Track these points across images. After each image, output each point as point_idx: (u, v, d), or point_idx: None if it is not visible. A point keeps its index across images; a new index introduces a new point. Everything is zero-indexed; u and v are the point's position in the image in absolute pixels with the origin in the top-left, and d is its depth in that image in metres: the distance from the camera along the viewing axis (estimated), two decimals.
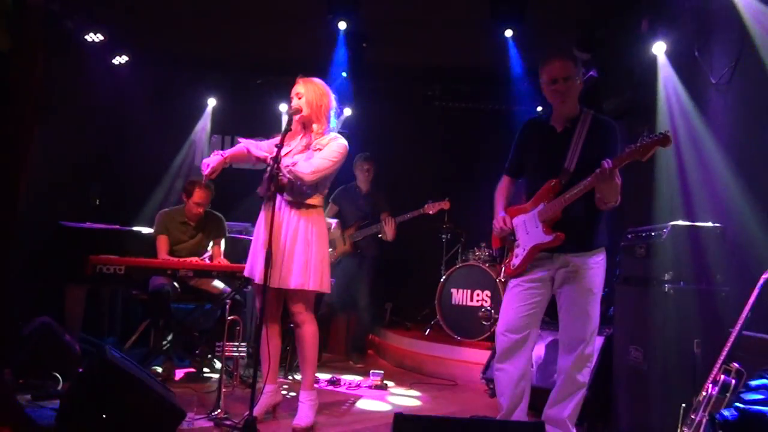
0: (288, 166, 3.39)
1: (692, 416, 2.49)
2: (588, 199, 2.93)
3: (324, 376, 4.75)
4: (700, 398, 2.49)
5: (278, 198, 3.44)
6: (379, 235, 5.73)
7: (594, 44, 5.28)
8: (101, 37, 5.99)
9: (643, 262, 3.36)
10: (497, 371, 3.13)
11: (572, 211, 2.98)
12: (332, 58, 6.21)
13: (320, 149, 3.46)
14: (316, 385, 3.79)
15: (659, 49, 4.56)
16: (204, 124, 7.37)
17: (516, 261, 3.13)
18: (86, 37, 5.94)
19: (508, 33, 5.24)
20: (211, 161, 3.47)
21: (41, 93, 5.19)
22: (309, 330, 3.52)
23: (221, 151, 3.54)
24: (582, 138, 3.01)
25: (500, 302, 4.99)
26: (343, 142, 3.54)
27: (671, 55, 4.51)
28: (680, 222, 3.27)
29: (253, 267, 3.50)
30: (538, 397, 3.34)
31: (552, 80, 3.01)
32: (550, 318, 3.55)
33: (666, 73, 4.51)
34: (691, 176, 3.97)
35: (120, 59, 6.54)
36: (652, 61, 4.61)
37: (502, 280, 3.34)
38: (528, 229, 3.10)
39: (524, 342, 3.08)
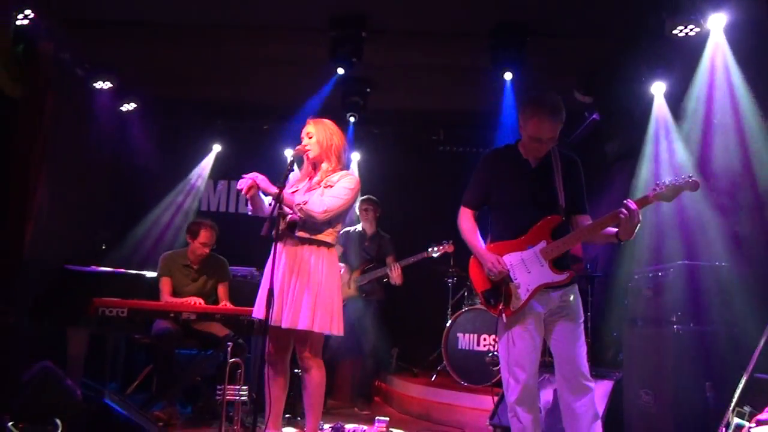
0: (299, 204, 3.33)
1: None
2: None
3: (328, 424, 4.64)
4: None
5: (286, 237, 3.40)
6: (385, 280, 5.69)
7: (595, 87, 5.33)
8: (110, 84, 6.09)
9: (650, 302, 3.31)
10: (513, 418, 2.96)
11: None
12: (339, 103, 6.29)
13: (331, 186, 3.44)
14: None
15: (658, 89, 4.62)
16: (202, 170, 7.43)
17: (518, 303, 2.97)
18: (95, 84, 6.05)
19: (508, 76, 5.29)
20: (247, 176, 3.41)
21: (50, 138, 5.30)
22: (316, 375, 3.43)
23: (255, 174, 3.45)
24: (560, 174, 2.99)
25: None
26: (354, 177, 3.52)
27: (669, 96, 4.56)
28: (686, 261, 3.24)
29: (261, 307, 3.45)
30: None
31: (537, 138, 2.92)
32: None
33: (660, 113, 4.56)
34: (691, 216, 3.94)
35: (128, 106, 6.64)
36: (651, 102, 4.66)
37: (504, 321, 3.15)
38: (529, 268, 2.97)
39: (536, 389, 3.01)
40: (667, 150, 4.65)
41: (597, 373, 3.93)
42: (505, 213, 3.07)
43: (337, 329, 3.39)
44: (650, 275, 3.35)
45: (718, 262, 3.22)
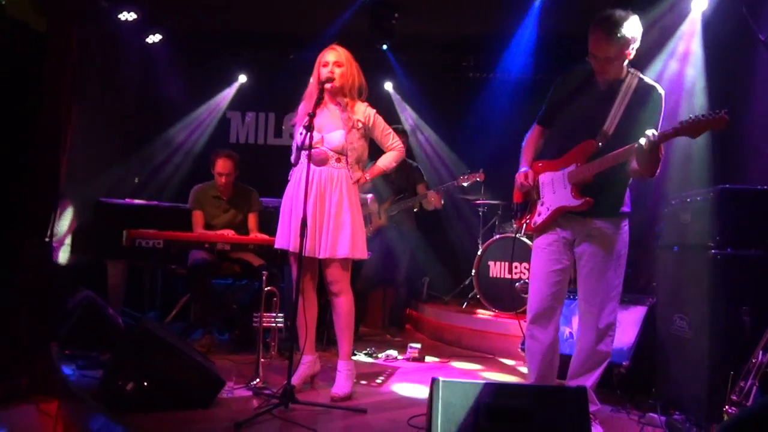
0: (393, 161, 3.64)
1: (741, 384, 2.42)
2: (618, 164, 2.82)
3: (361, 350, 4.75)
4: (750, 366, 2.41)
5: (312, 169, 3.39)
6: (415, 209, 5.69)
7: (633, 6, 5.09)
8: (134, 16, 6.02)
9: (687, 228, 3.25)
10: (530, 338, 3.06)
11: (602, 175, 2.88)
12: (365, 30, 6.13)
13: (363, 123, 3.53)
14: (353, 357, 3.78)
15: (697, 6, 4.45)
16: (221, 100, 7.38)
17: (538, 219, 3.05)
18: (120, 16, 5.98)
19: None
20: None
21: (78, 72, 5.28)
22: (346, 299, 3.51)
23: None
24: (625, 101, 2.88)
25: None
26: (372, 108, 3.61)
27: (713, 13, 4.38)
28: (727, 186, 3.15)
29: (288, 237, 3.48)
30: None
31: (592, 55, 2.85)
32: None
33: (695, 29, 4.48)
34: (738, 138, 3.83)
35: (153, 38, 6.58)
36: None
37: (518, 236, 3.26)
38: (555, 188, 3.00)
39: (555, 309, 3.01)
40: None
41: (629, 298, 3.93)
42: (559, 132, 3.09)
43: (363, 254, 3.52)
44: (688, 200, 3.27)
45: (759, 186, 3.12)
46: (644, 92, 2.89)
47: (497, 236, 5.69)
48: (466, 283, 6.06)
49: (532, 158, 3.16)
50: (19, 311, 4.08)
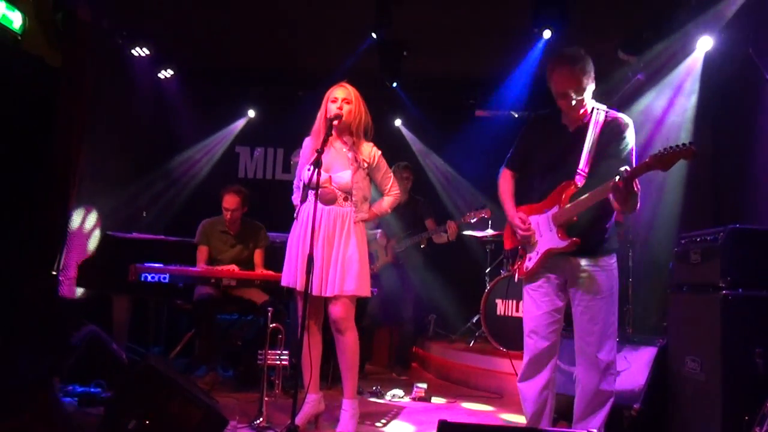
0: (389, 206, 3.67)
1: (756, 429, 2.35)
2: (601, 202, 2.80)
3: (366, 389, 4.68)
4: (765, 410, 2.35)
5: (319, 208, 3.40)
6: (422, 246, 5.67)
7: (640, 46, 5.15)
8: (147, 52, 6.11)
9: (698, 268, 3.21)
10: (522, 382, 3.04)
11: (585, 215, 2.87)
12: (374, 67, 6.19)
13: (368, 163, 3.54)
14: (358, 396, 3.72)
15: (703, 44, 4.50)
16: (230, 135, 7.44)
17: (529, 264, 3.04)
18: (133, 51, 6.07)
19: (547, 34, 5.13)
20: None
21: (90, 106, 5.35)
22: (351, 337, 3.48)
23: None
24: (595, 138, 2.89)
25: None
26: (377, 149, 3.63)
27: (719, 52, 4.43)
28: (738, 225, 3.12)
29: (295, 275, 3.46)
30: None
31: (560, 93, 2.88)
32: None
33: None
34: (746, 176, 3.82)
35: (165, 73, 6.67)
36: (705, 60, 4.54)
37: (515, 281, 3.29)
38: (542, 231, 3.00)
39: (550, 352, 2.99)
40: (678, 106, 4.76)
41: (639, 339, 3.88)
42: (536, 177, 3.09)
43: (367, 291, 3.51)
44: (698, 239, 3.25)
45: None
46: (612, 125, 2.91)
47: (505, 274, 5.65)
48: (474, 321, 6.00)
49: (513, 202, 3.18)
50: (23, 345, 4.08)
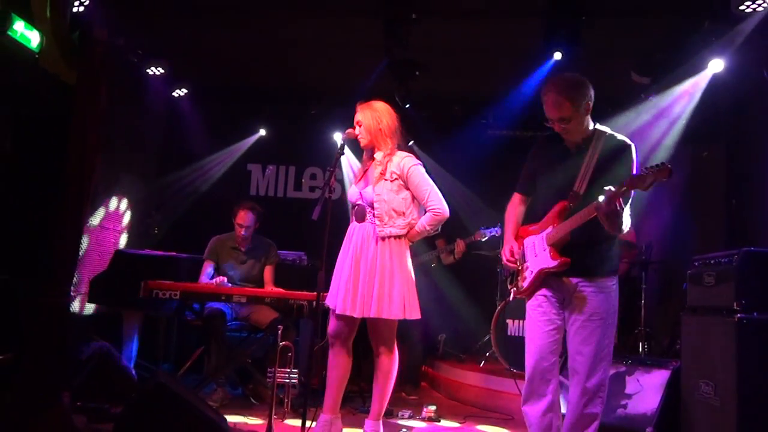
0: (432, 222, 3.42)
1: None
2: (597, 224, 2.78)
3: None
4: None
5: (354, 225, 3.45)
6: (433, 264, 5.65)
7: (653, 68, 5.16)
8: (162, 71, 6.18)
9: (712, 290, 3.19)
10: (525, 405, 3.00)
11: (582, 235, 2.86)
12: (389, 86, 6.22)
13: (399, 175, 3.43)
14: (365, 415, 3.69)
15: (714, 66, 4.51)
16: (242, 153, 7.48)
17: (524, 284, 3.05)
18: (148, 70, 6.15)
19: (557, 56, 5.15)
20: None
21: (104, 124, 5.40)
22: (385, 361, 3.46)
23: None
24: (594, 160, 2.89)
25: None
26: (413, 161, 3.50)
27: (731, 74, 4.44)
28: (752, 249, 3.09)
29: (335, 295, 3.44)
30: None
31: (548, 119, 2.90)
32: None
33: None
34: (761, 200, 3.80)
35: (180, 92, 6.74)
36: (715, 81, 4.54)
37: (509, 300, 3.30)
38: (537, 251, 3.01)
39: (551, 371, 2.96)
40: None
41: (652, 362, 3.84)
42: (540, 197, 3.09)
43: (412, 314, 3.40)
44: (712, 262, 3.22)
45: None
46: (613, 148, 2.90)
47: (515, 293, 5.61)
48: (484, 340, 5.95)
49: (515, 228, 3.18)
50: (34, 361, 4.09)
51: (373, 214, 3.41)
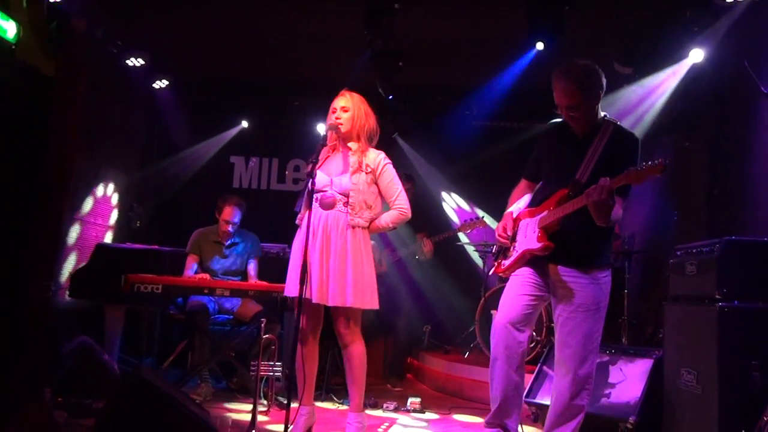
0: (395, 220, 3.48)
1: None
2: (590, 216, 2.77)
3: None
4: (761, 423, 2.34)
5: (319, 213, 3.38)
6: (417, 257, 5.65)
7: (635, 58, 5.18)
8: (142, 62, 6.10)
9: (693, 280, 3.21)
10: (493, 362, 3.01)
11: (572, 225, 2.87)
12: (370, 78, 6.18)
13: (374, 170, 3.46)
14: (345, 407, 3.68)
15: (695, 56, 4.54)
16: (225, 145, 7.43)
17: (506, 262, 3.08)
18: (128, 61, 6.06)
19: (539, 46, 5.14)
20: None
21: (84, 115, 5.33)
22: (358, 349, 3.43)
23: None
24: (599, 150, 2.89)
25: (543, 323, 4.94)
26: (387, 159, 3.54)
27: (712, 65, 4.47)
28: (734, 237, 3.11)
29: (294, 284, 3.41)
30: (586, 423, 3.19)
31: (558, 105, 2.92)
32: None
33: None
34: (742, 188, 3.83)
35: (161, 83, 6.66)
36: (695, 71, 4.57)
37: (490, 274, 3.37)
38: (527, 233, 3.02)
39: (523, 343, 2.97)
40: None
41: (635, 351, 3.86)
42: (544, 183, 3.12)
43: (374, 304, 3.42)
44: (694, 251, 3.24)
45: (766, 238, 3.10)
46: (619, 140, 2.90)
47: (499, 285, 5.63)
48: (470, 331, 5.97)
49: (515, 209, 3.20)
50: (15, 356, 4.04)
51: (346, 202, 3.40)
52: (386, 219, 3.50)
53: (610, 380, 3.75)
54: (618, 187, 2.66)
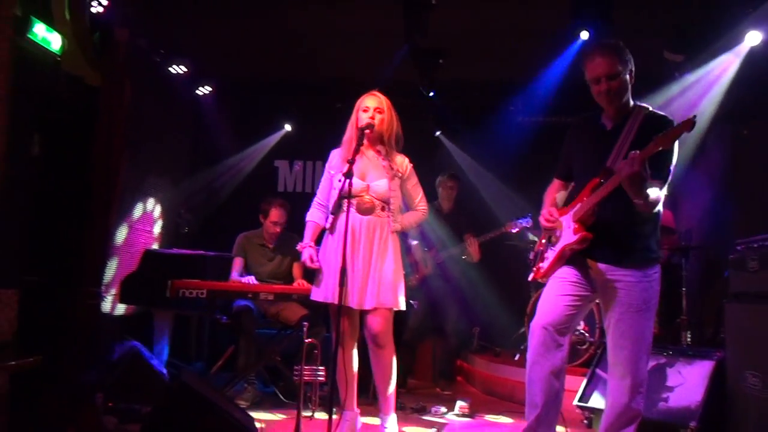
0: (418, 220, 3.59)
1: None
2: (631, 202, 2.61)
3: (410, 405, 4.56)
4: None
5: (358, 219, 3.34)
6: (463, 257, 5.53)
7: (686, 45, 4.95)
8: (185, 69, 6.17)
9: (756, 276, 3.02)
10: (531, 367, 2.82)
11: (611, 215, 2.72)
12: (411, 76, 6.10)
13: (402, 173, 3.49)
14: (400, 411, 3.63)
15: (752, 39, 4.30)
16: (269, 149, 7.45)
17: (544, 264, 2.92)
18: (171, 69, 6.14)
19: (584, 35, 4.94)
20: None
21: (129, 124, 5.42)
22: (390, 351, 3.40)
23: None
24: (631, 135, 2.73)
25: (596, 325, 4.76)
26: (409, 162, 3.58)
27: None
28: None
29: (334, 289, 3.34)
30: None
31: (595, 79, 2.76)
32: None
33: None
34: None
35: (203, 89, 6.73)
36: (753, 55, 4.33)
37: (529, 280, 3.16)
38: (564, 230, 2.86)
39: (563, 346, 2.80)
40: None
41: (695, 352, 3.67)
42: (577, 180, 2.98)
43: (402, 304, 3.41)
44: (756, 246, 3.05)
45: None
46: (652, 124, 2.71)
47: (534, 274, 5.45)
48: (520, 332, 5.82)
49: (551, 203, 3.08)
50: (67, 361, 4.12)
51: (384, 207, 3.40)
52: (411, 221, 3.59)
53: (668, 383, 3.57)
54: (656, 169, 2.55)
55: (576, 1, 4.75)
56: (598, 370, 3.96)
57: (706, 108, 5.15)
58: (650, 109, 2.81)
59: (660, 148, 2.46)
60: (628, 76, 2.76)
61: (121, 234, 5.80)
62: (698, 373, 3.46)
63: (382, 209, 3.40)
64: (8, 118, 3.85)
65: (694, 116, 2.40)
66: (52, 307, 4.70)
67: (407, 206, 3.61)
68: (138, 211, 6.11)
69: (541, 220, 2.95)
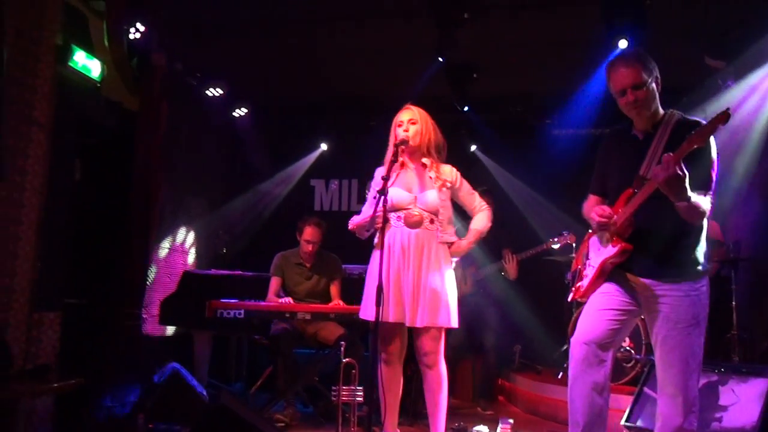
0: (483, 229, 3.46)
1: None
2: (675, 213, 2.50)
3: (450, 425, 4.47)
4: None
5: (406, 232, 3.30)
6: (502, 273, 5.43)
7: (728, 50, 4.79)
8: (221, 91, 6.26)
9: None
10: (572, 384, 2.72)
11: (650, 226, 2.61)
12: (445, 92, 6.07)
13: (451, 183, 3.43)
14: None
15: None
16: (306, 169, 7.48)
17: (584, 283, 2.80)
18: (207, 92, 6.23)
19: (623, 44, 4.82)
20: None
21: (167, 146, 5.52)
22: (441, 371, 3.33)
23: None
24: (663, 142, 2.63)
25: (642, 341, 4.61)
26: (457, 170, 3.51)
27: None
28: None
29: (387, 307, 3.26)
30: None
31: (621, 91, 2.67)
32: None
33: None
34: None
35: (239, 111, 6.81)
36: None
37: (569, 300, 3.04)
38: (601, 246, 2.77)
39: (606, 362, 2.68)
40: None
41: (748, 370, 3.51)
42: (611, 194, 2.84)
43: (456, 323, 3.33)
44: None
45: None
46: (684, 129, 2.58)
47: (573, 294, 5.31)
48: (562, 350, 5.67)
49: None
50: (109, 382, 4.16)
51: (437, 220, 3.33)
52: (483, 221, 3.49)
53: (721, 402, 3.42)
54: (697, 178, 2.44)
55: (607, 9, 4.63)
56: (646, 389, 3.82)
57: (756, 117, 4.96)
58: (682, 115, 2.72)
59: (695, 146, 2.38)
60: (654, 84, 2.67)
61: (161, 255, 5.87)
62: (753, 392, 3.31)
63: (431, 222, 3.33)
64: (51, 145, 3.95)
65: (728, 109, 2.32)
66: (93, 328, 4.78)
67: (468, 213, 3.56)
68: (177, 233, 6.18)
69: (594, 216, 2.75)
